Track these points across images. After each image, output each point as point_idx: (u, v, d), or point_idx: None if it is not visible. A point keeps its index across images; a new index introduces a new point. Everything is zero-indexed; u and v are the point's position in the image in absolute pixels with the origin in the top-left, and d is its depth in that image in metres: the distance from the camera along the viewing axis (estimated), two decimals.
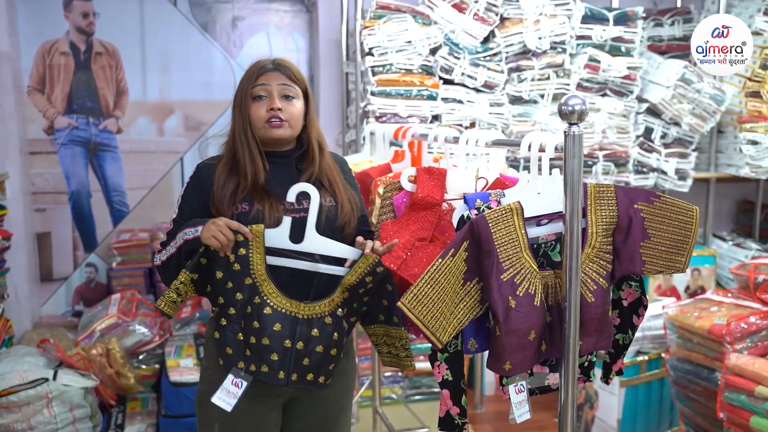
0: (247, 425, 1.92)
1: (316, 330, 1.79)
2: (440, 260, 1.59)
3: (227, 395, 1.78)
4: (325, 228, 1.86)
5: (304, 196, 1.84)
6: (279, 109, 1.86)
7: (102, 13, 4.02)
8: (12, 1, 3.82)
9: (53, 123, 4.03)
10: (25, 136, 3.96)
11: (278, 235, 1.80)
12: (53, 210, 4.09)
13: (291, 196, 1.82)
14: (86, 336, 3.56)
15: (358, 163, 2.77)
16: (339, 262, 1.87)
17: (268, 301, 1.78)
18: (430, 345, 1.66)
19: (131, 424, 3.39)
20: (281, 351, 1.77)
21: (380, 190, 2.22)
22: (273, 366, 1.77)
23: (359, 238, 1.84)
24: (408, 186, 2.06)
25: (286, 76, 1.90)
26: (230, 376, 1.78)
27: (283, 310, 1.78)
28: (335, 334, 1.81)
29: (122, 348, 3.46)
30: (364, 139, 3.02)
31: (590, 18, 3.67)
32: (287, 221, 1.81)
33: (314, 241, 1.82)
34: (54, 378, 3.05)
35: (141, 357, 3.61)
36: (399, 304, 1.58)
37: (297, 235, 1.82)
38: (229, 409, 1.78)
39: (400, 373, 3.99)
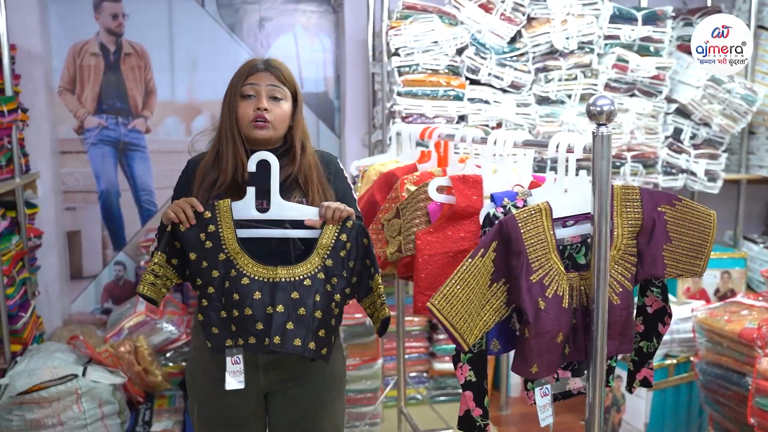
0: (222, 410, 1.96)
1: (296, 293, 1.79)
2: (470, 260, 1.58)
3: (234, 376, 1.81)
4: (293, 226, 1.88)
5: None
6: (265, 110, 1.90)
7: (131, 14, 4.06)
8: (44, 3, 3.87)
9: (83, 123, 4.08)
10: (56, 135, 4.02)
11: (245, 207, 1.84)
12: (83, 209, 4.15)
13: (251, 165, 1.84)
14: (115, 333, 3.60)
15: (384, 163, 2.78)
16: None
17: (245, 271, 1.80)
18: (454, 346, 1.65)
19: (158, 420, 3.42)
20: (265, 318, 1.78)
21: (409, 187, 2.21)
22: (259, 335, 1.78)
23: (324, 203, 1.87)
24: (439, 198, 2.00)
25: (276, 77, 1.93)
26: (227, 358, 1.81)
27: (261, 278, 1.80)
28: (317, 295, 1.81)
29: (150, 345, 3.50)
30: (390, 139, 3.02)
31: (618, 18, 3.64)
32: (251, 191, 1.84)
33: (280, 207, 1.85)
34: (83, 374, 3.10)
35: (168, 354, 3.65)
36: (428, 305, 1.57)
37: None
38: (242, 386, 1.82)
39: (425, 374, 3.99)
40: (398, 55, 3.46)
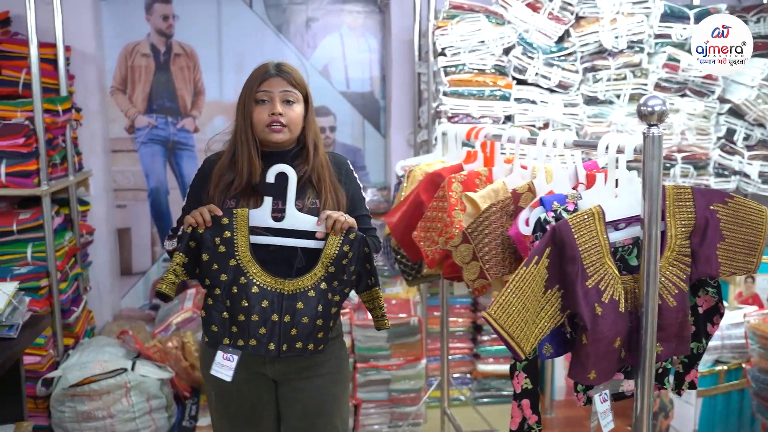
0: (235, 398, 2.06)
1: (300, 303, 1.90)
2: (524, 268, 1.56)
3: (222, 368, 1.91)
4: (302, 236, 1.94)
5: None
6: (280, 114, 1.97)
7: (181, 15, 4.13)
8: (98, 6, 3.96)
9: (134, 122, 4.16)
10: (108, 134, 4.11)
11: (261, 215, 1.93)
12: (133, 206, 4.23)
13: (270, 176, 1.92)
14: (163, 329, 3.67)
15: (430, 163, 2.77)
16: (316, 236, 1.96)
17: (255, 280, 1.90)
18: (501, 347, 1.64)
19: (204, 416, 3.47)
20: (269, 325, 1.89)
21: (457, 186, 2.19)
22: (261, 340, 1.90)
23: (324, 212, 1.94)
24: (528, 230, 1.84)
25: (288, 81, 2.01)
26: (219, 352, 1.90)
27: (270, 288, 1.90)
28: (319, 306, 1.91)
29: (197, 341, 3.55)
30: (435, 139, 3.02)
31: (670, 16, 3.57)
32: (268, 201, 1.93)
33: (294, 217, 1.93)
34: (132, 368, 3.16)
35: None
36: (484, 314, 1.56)
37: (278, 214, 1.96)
38: (228, 378, 1.90)
39: (468, 375, 3.97)
40: (444, 54, 3.45)
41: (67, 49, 3.57)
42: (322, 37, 4.30)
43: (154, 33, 4.12)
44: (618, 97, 3.56)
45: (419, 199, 2.46)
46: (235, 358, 1.90)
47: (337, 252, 1.92)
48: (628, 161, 1.70)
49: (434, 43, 3.48)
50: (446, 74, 3.43)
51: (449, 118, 3.41)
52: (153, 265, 4.28)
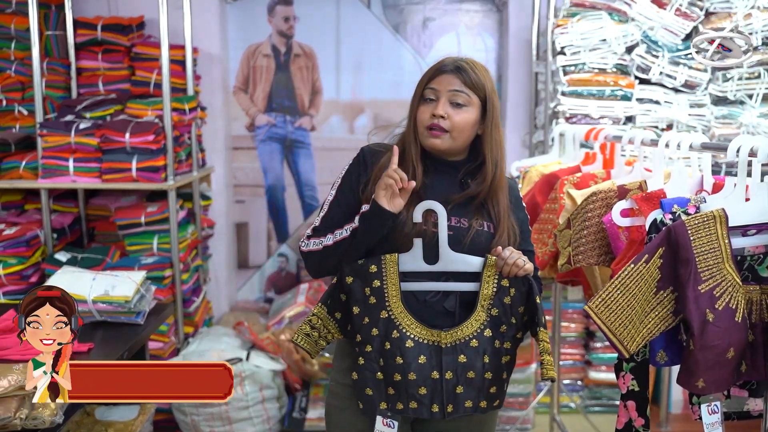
0: None
1: (463, 356, 1.69)
2: (632, 266, 1.53)
3: None
4: (470, 251, 1.72)
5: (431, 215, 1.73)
6: (442, 117, 1.72)
7: (301, 17, 4.24)
8: (224, 9, 4.13)
9: (254, 121, 4.30)
10: (229, 132, 4.27)
11: (412, 259, 1.72)
12: (251, 202, 4.38)
13: (417, 215, 1.69)
14: (276, 322, 3.77)
15: (546, 164, 2.73)
16: (474, 278, 1.73)
17: (408, 333, 1.70)
18: (613, 355, 1.60)
19: (314, 408, 3.55)
20: (430, 384, 1.69)
21: (569, 189, 2.15)
22: (423, 401, 1.70)
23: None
24: (624, 222, 1.86)
25: (462, 81, 1.75)
26: (379, 418, 1.71)
27: (425, 341, 1.70)
28: (485, 356, 1.70)
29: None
30: (552, 140, 2.96)
31: None
32: (418, 243, 1.71)
33: (450, 259, 1.71)
34: (247, 359, 3.27)
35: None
36: (586, 307, 1.55)
37: (430, 256, 1.72)
38: None
39: (579, 382, 3.87)
40: (564, 53, 3.38)
41: (194, 50, 3.73)
42: (439, 37, 4.30)
43: (276, 34, 4.25)
44: (750, 97, 3.37)
45: (535, 200, 2.43)
46: (396, 424, 1.70)
47: (495, 289, 1.70)
48: (762, 164, 1.60)
49: (553, 42, 3.42)
50: (565, 74, 3.36)
51: (567, 119, 3.33)
52: (268, 259, 4.41)
